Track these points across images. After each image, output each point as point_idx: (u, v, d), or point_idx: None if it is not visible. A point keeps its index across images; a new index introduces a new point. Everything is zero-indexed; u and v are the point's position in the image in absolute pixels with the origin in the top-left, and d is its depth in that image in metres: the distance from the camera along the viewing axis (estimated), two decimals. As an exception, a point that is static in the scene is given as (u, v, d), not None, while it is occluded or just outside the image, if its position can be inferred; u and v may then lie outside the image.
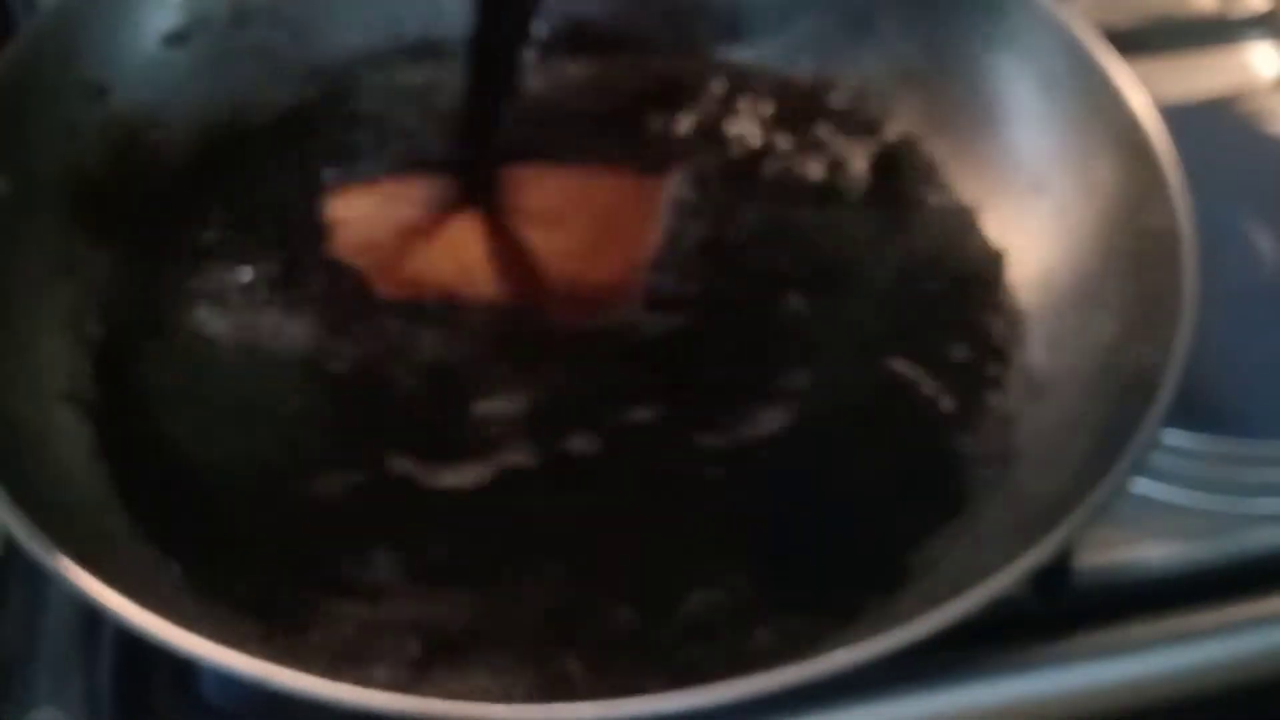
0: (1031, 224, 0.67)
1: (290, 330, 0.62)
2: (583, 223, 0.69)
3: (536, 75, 0.73)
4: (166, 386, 0.60)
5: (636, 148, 0.72)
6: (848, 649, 0.44)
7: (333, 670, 0.47)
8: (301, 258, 0.66)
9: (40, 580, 0.58)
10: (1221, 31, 0.89)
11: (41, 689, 0.55)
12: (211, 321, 0.63)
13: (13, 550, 0.59)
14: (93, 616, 0.56)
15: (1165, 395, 0.52)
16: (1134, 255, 0.61)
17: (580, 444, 0.59)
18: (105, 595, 0.45)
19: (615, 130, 0.73)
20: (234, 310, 0.63)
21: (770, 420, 0.61)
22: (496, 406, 0.60)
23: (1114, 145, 0.63)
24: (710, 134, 0.73)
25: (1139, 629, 0.60)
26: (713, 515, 0.58)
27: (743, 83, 0.74)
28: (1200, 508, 0.65)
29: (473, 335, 0.63)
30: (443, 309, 0.64)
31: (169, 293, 0.64)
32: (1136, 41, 0.80)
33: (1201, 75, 0.87)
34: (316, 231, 0.67)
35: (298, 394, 0.61)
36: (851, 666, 0.44)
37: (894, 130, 0.72)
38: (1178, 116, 0.65)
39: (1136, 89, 0.63)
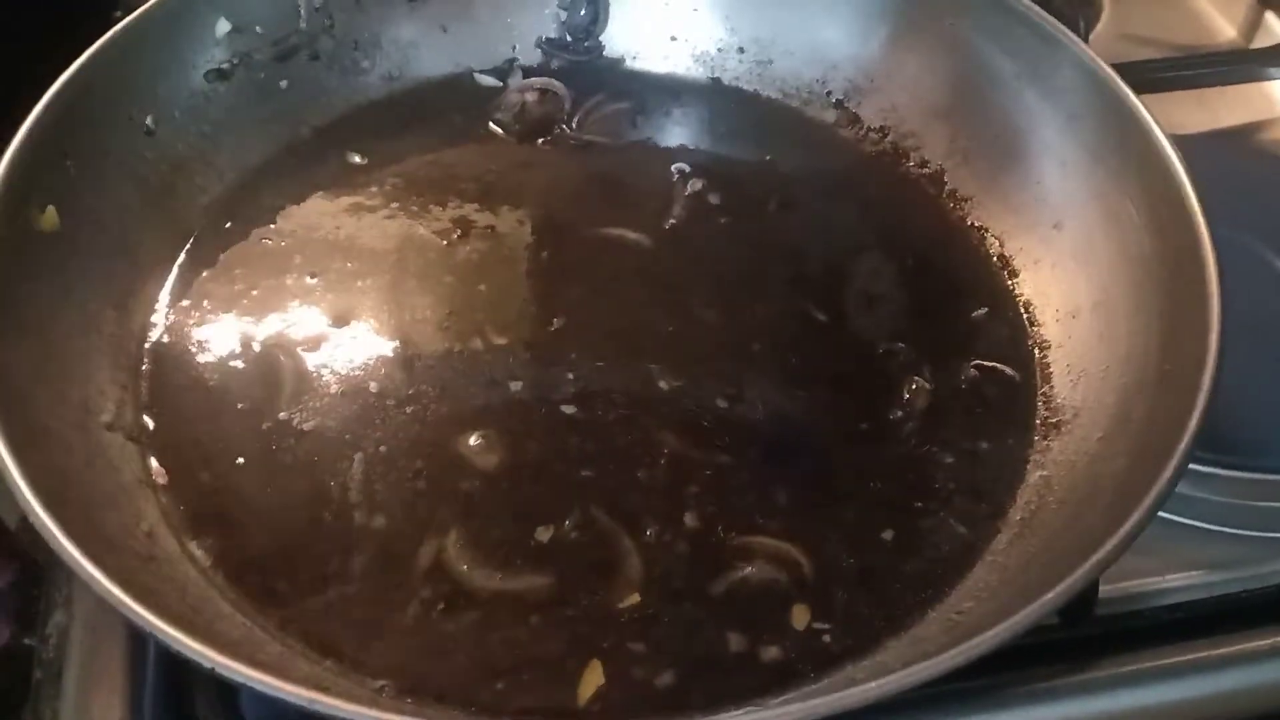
0: (1055, 256, 0.68)
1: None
2: None
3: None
4: (211, 417, 0.60)
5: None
6: (878, 681, 0.45)
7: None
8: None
9: (85, 602, 0.59)
10: (1242, 64, 0.90)
11: (86, 709, 0.56)
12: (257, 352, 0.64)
13: (58, 572, 0.60)
14: (137, 639, 0.57)
15: (1193, 429, 0.51)
16: (1158, 287, 0.61)
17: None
18: (150, 619, 0.46)
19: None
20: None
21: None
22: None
23: (1137, 178, 0.64)
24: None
25: (1162, 656, 0.60)
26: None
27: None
28: (1223, 538, 0.65)
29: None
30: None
31: (216, 326, 0.64)
32: (1158, 74, 0.81)
33: (1222, 107, 0.87)
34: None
35: (341, 424, 0.61)
36: (883, 698, 0.45)
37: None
38: (1199, 148, 0.65)
39: (1158, 122, 0.63)
